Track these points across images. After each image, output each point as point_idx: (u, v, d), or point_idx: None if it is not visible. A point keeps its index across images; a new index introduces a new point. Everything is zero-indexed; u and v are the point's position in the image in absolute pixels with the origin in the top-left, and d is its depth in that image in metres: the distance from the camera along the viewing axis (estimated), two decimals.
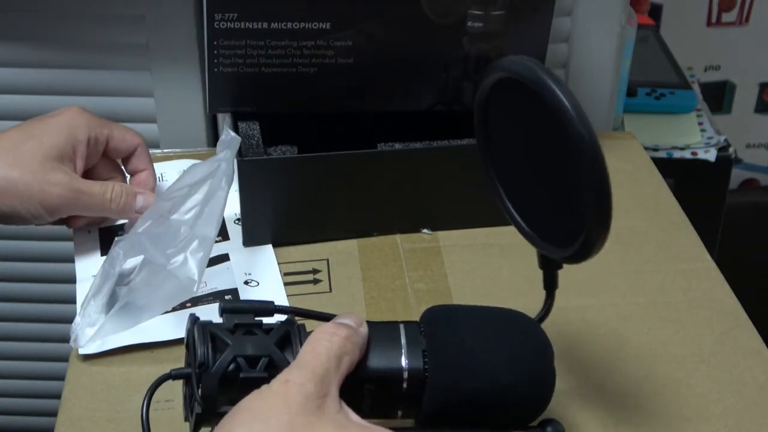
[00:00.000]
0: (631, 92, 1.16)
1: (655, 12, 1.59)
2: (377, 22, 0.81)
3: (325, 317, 0.57)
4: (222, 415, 0.50)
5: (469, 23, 0.82)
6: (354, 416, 0.50)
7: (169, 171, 0.90)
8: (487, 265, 0.82)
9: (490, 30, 0.82)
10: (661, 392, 0.69)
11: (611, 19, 0.97)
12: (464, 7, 0.81)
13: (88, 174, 0.78)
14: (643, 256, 0.83)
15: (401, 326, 0.55)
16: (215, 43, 0.79)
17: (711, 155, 1.16)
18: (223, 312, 0.55)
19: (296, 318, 0.56)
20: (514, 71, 0.55)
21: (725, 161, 1.17)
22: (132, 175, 0.82)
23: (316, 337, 0.51)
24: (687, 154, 1.16)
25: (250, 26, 0.78)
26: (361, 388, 0.52)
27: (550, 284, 0.62)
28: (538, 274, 0.81)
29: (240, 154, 0.81)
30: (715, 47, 1.63)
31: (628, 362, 0.71)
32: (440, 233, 0.85)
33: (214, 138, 1.00)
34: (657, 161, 0.97)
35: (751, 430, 0.66)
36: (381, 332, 0.54)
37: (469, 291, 0.78)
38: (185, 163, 0.91)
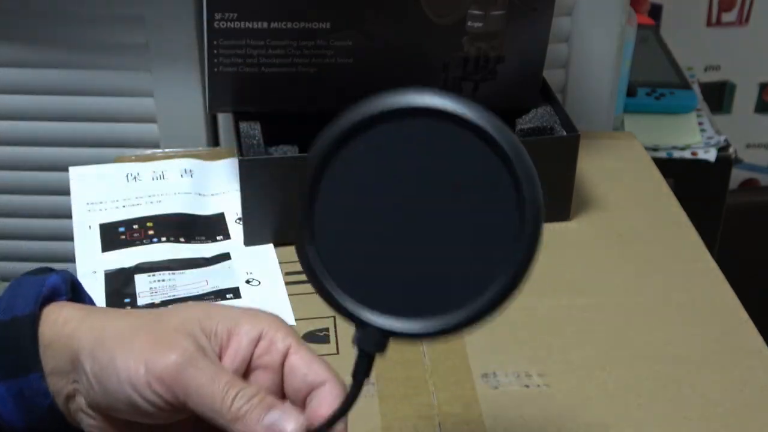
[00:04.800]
0: (631, 92, 1.16)
1: (655, 12, 1.59)
2: (377, 22, 0.81)
3: None
4: None
5: (468, 23, 0.82)
6: None
7: (170, 170, 0.90)
8: None
9: (490, 30, 0.82)
10: (662, 392, 0.69)
11: (611, 19, 0.97)
12: (464, 7, 0.81)
13: None
14: (644, 256, 0.83)
15: None
16: (215, 42, 0.79)
17: (711, 155, 1.16)
18: None
19: None
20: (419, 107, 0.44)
21: (725, 161, 1.17)
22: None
23: None
24: (687, 154, 1.16)
25: (250, 26, 0.78)
26: None
27: (364, 371, 0.47)
28: (539, 274, 0.80)
29: (241, 153, 0.81)
30: (715, 47, 1.63)
31: (628, 362, 0.71)
32: None
33: (214, 138, 1.00)
34: (657, 161, 0.97)
35: (752, 430, 0.66)
36: None
37: None
38: (185, 163, 0.91)
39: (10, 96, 0.99)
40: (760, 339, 0.74)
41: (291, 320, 0.75)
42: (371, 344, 0.46)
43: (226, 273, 0.78)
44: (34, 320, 0.51)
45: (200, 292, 0.76)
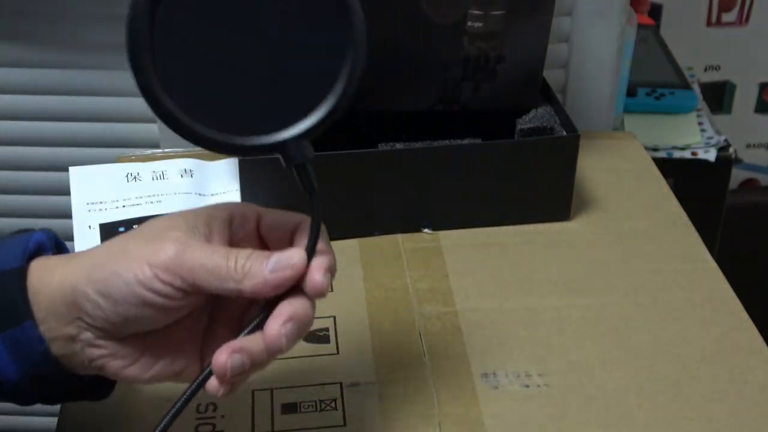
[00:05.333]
0: (631, 92, 1.16)
1: (655, 12, 1.59)
2: (377, 22, 0.80)
3: None
4: None
5: (468, 23, 0.82)
6: None
7: (170, 170, 0.90)
8: (488, 265, 0.82)
9: (490, 30, 0.82)
10: (663, 392, 0.69)
11: (611, 19, 0.97)
12: (464, 7, 0.81)
13: None
14: (644, 256, 0.83)
15: None
16: None
17: (711, 155, 1.16)
18: None
19: None
20: None
21: (725, 161, 1.17)
22: None
23: None
24: (687, 154, 1.16)
25: None
26: None
27: (309, 180, 0.54)
28: (540, 274, 0.81)
29: None
30: (715, 47, 1.63)
31: (629, 362, 0.71)
32: (441, 233, 0.85)
33: None
34: (657, 161, 0.97)
35: (752, 430, 0.66)
36: None
37: (470, 290, 0.78)
38: (185, 163, 0.91)
39: (10, 96, 0.99)
40: (760, 339, 0.74)
41: None
42: (299, 155, 0.53)
43: None
44: (22, 273, 0.54)
45: None
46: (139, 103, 0.98)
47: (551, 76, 0.96)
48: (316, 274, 0.53)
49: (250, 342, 0.52)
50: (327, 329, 0.74)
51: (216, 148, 0.52)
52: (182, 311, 0.53)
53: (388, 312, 0.76)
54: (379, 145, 0.84)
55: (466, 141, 0.86)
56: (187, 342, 0.56)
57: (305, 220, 0.56)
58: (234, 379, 0.52)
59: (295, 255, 0.53)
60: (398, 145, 0.84)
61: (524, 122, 0.86)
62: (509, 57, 0.84)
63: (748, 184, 1.75)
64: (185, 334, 0.56)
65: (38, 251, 0.56)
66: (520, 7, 0.81)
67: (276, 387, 0.69)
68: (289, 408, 0.67)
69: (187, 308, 0.53)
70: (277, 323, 0.52)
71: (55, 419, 0.68)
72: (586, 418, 0.67)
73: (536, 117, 0.87)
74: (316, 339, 0.73)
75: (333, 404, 0.67)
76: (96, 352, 0.54)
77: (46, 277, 0.54)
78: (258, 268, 0.52)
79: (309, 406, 0.67)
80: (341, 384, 0.69)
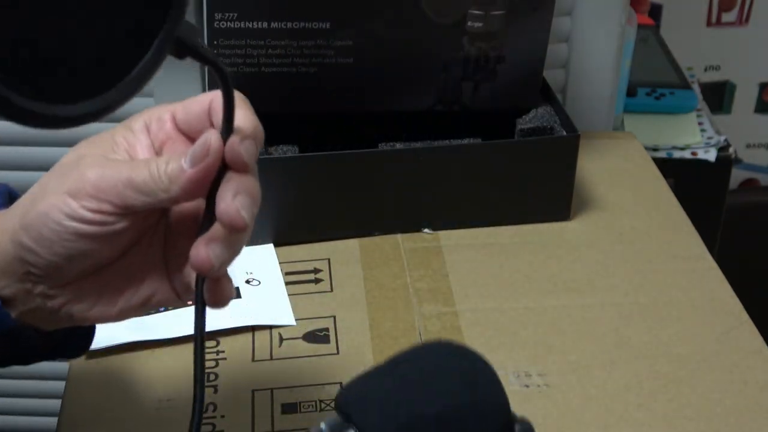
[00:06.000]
0: (631, 92, 1.16)
1: (655, 12, 1.59)
2: (377, 22, 0.81)
3: None
4: None
5: (469, 23, 0.82)
6: None
7: None
8: (487, 265, 0.82)
9: (490, 30, 0.82)
10: (663, 392, 0.69)
11: (611, 19, 0.97)
12: (464, 7, 0.81)
13: None
14: (644, 256, 0.83)
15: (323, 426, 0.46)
16: (215, 42, 0.79)
17: (711, 155, 1.16)
18: None
19: None
20: None
21: (725, 161, 1.17)
22: None
23: None
24: (687, 154, 1.16)
25: (250, 26, 0.78)
26: None
27: (206, 56, 0.50)
28: (539, 274, 0.81)
29: None
30: (715, 47, 1.63)
31: (629, 361, 0.71)
32: (441, 233, 0.85)
33: None
34: (657, 161, 0.97)
35: (752, 430, 0.66)
36: None
37: (470, 290, 0.78)
38: None
39: None
40: (760, 339, 0.74)
41: (291, 320, 0.75)
42: (191, 39, 0.50)
43: None
44: None
45: None
46: (139, 103, 0.99)
47: (551, 76, 0.96)
48: (232, 145, 0.48)
49: (216, 230, 0.48)
50: (327, 329, 0.74)
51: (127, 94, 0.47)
52: (126, 236, 0.50)
53: (388, 312, 0.76)
54: (379, 145, 0.84)
55: (466, 141, 0.86)
56: (147, 267, 0.52)
57: (217, 95, 0.50)
58: (222, 270, 0.48)
59: (208, 138, 0.48)
60: (398, 145, 0.84)
61: (524, 122, 0.86)
62: (509, 57, 0.84)
63: (748, 184, 1.75)
64: (142, 260, 0.52)
65: None
66: (520, 7, 0.81)
67: (276, 387, 0.69)
68: (289, 408, 0.67)
69: (130, 231, 0.50)
70: (228, 200, 0.47)
71: (55, 419, 0.68)
72: (586, 418, 0.67)
73: (536, 117, 0.87)
74: (316, 339, 0.73)
75: (333, 404, 0.67)
76: (56, 302, 0.51)
77: None
78: (179, 168, 0.48)
79: (309, 406, 0.67)
80: (341, 384, 0.69)
